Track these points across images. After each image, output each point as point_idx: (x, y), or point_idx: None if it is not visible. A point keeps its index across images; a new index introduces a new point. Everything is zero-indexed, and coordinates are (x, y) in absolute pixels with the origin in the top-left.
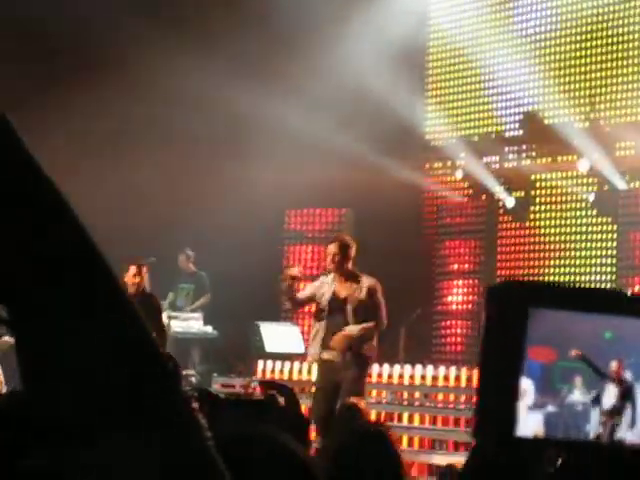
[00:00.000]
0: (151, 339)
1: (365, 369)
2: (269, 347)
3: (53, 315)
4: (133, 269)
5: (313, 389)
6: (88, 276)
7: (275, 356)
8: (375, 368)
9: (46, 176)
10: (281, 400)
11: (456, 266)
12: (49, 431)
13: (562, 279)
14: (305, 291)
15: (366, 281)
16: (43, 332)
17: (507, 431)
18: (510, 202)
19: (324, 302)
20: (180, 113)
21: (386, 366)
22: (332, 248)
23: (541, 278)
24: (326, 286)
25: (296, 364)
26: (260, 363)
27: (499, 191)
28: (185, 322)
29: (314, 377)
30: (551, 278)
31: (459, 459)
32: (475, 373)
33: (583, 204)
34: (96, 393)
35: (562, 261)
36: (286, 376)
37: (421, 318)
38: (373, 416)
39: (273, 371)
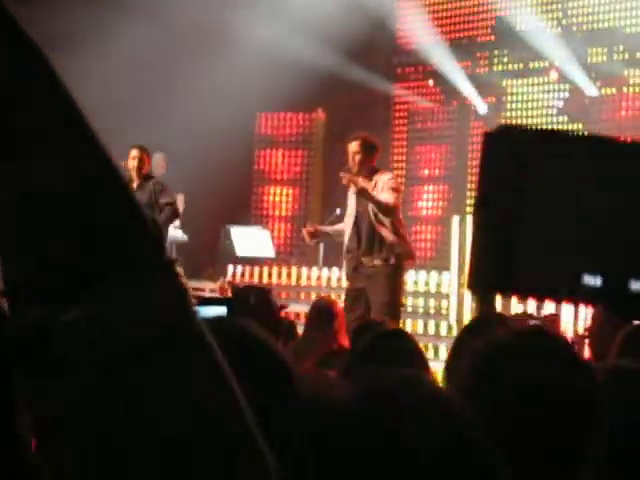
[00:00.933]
0: (129, 190)
1: (396, 279)
2: (240, 251)
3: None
4: (135, 152)
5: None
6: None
7: (245, 260)
8: (336, 272)
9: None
10: (252, 299)
11: (427, 171)
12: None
13: None
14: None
15: (379, 176)
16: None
17: (504, 283)
18: (482, 108)
19: (351, 211)
20: (137, 18)
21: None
22: (352, 147)
23: None
24: (351, 199)
25: (266, 268)
26: (230, 267)
27: (471, 97)
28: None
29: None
30: None
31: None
32: (444, 278)
33: (554, 110)
34: (63, 239)
35: None
36: (256, 280)
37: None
38: None
39: (243, 275)
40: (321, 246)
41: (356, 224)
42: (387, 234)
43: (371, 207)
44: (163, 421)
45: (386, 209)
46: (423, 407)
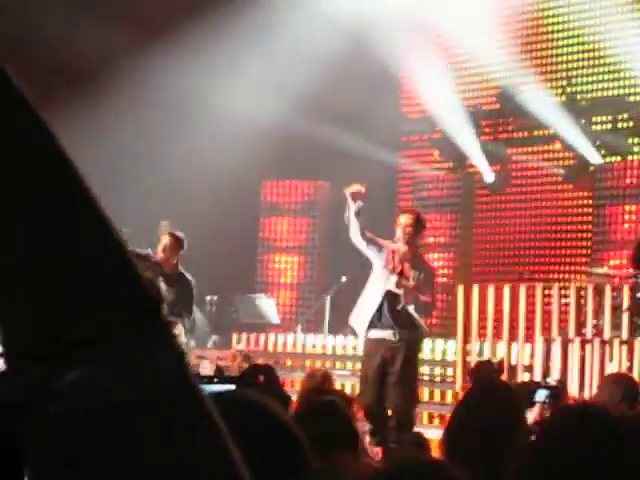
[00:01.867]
0: (128, 258)
1: (417, 350)
2: (245, 318)
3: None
4: (166, 239)
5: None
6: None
7: (250, 327)
8: (342, 339)
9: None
10: (260, 377)
11: (432, 239)
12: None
13: (536, 253)
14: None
15: (423, 263)
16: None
17: None
18: (490, 176)
19: (387, 269)
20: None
21: (351, 338)
22: (404, 219)
23: (516, 252)
24: (395, 253)
25: (271, 336)
26: (235, 335)
27: (477, 165)
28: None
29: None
30: (526, 252)
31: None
32: (449, 346)
33: (559, 178)
34: (62, 308)
35: (538, 235)
36: (261, 347)
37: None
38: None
39: (248, 343)
40: (327, 313)
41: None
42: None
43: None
44: None
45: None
46: None
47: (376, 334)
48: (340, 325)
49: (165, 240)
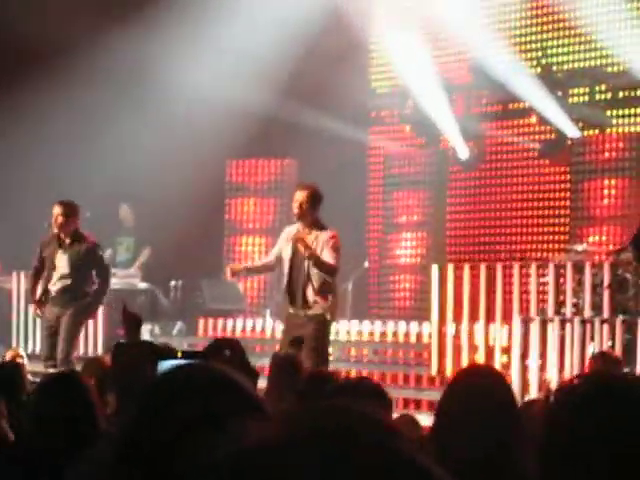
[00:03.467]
0: None
1: (324, 327)
2: (211, 303)
3: None
4: (57, 209)
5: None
6: None
7: (216, 313)
8: None
9: None
10: (227, 352)
11: (404, 218)
12: None
13: (513, 232)
14: (269, 255)
15: (323, 234)
16: None
17: None
18: (463, 152)
19: (286, 257)
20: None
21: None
22: (299, 196)
23: (491, 231)
24: (287, 248)
25: (239, 321)
26: (201, 320)
27: (450, 140)
28: (124, 280)
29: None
30: (502, 231)
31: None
32: (424, 329)
33: (535, 153)
34: None
35: (514, 212)
36: (229, 334)
37: (367, 272)
38: None
39: (215, 329)
40: None
41: (290, 274)
42: (311, 295)
43: (307, 263)
44: None
45: (330, 271)
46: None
47: (290, 310)
48: None
49: (58, 210)
